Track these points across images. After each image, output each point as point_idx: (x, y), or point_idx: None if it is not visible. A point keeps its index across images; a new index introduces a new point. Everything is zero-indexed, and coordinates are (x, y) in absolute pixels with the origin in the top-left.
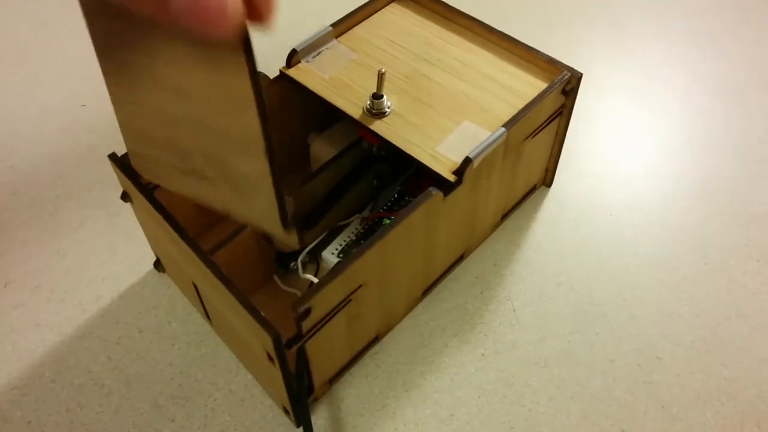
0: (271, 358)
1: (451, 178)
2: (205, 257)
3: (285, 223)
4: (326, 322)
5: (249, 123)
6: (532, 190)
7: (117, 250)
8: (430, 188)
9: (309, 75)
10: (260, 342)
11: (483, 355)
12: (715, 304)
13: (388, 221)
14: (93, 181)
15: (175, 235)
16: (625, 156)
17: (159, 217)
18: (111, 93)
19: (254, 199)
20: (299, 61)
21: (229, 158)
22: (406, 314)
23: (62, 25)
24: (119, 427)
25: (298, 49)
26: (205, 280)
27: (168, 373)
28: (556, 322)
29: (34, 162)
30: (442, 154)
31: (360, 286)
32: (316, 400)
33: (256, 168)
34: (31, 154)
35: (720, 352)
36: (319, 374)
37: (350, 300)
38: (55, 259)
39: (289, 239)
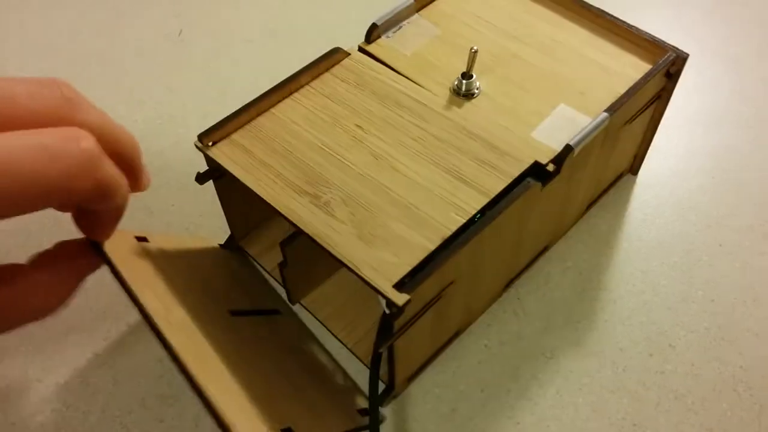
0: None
1: (549, 166)
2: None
3: (400, 287)
4: (417, 320)
5: (452, 218)
6: (619, 177)
7: None
8: (528, 179)
9: (389, 51)
10: None
11: (486, 346)
12: (731, 288)
13: None
14: None
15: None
16: None
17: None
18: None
19: (385, 255)
20: (379, 36)
21: (388, 220)
22: (486, 309)
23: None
24: (106, 428)
25: (378, 23)
26: None
27: (157, 370)
28: (562, 310)
29: None
30: (537, 140)
31: (451, 283)
32: (395, 397)
33: (418, 242)
34: None
35: (736, 339)
36: (402, 372)
37: (441, 296)
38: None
39: (396, 297)
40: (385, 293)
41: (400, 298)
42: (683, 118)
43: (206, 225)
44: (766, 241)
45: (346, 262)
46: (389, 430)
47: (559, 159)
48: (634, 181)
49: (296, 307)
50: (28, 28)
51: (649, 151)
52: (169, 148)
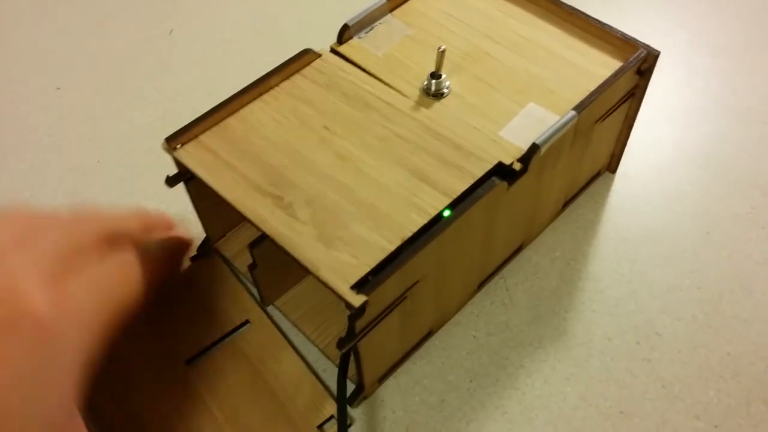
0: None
1: (516, 165)
2: None
3: (358, 287)
4: (380, 321)
5: (412, 219)
6: (597, 176)
7: None
8: (493, 178)
9: (361, 52)
10: None
11: (474, 336)
12: (718, 275)
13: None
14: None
15: None
16: None
17: None
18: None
19: (345, 257)
20: (351, 37)
21: (349, 221)
22: (460, 308)
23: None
24: None
25: (350, 24)
26: None
27: None
28: (550, 300)
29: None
30: (505, 139)
31: (416, 282)
32: (365, 398)
33: (378, 243)
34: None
35: (723, 327)
36: (370, 373)
37: (406, 297)
38: None
39: (352, 299)
40: (342, 294)
41: (356, 300)
42: (672, 108)
43: (195, 221)
44: (754, 229)
45: (305, 263)
46: (378, 423)
47: (526, 158)
48: (620, 173)
49: (271, 309)
50: (17, 29)
51: (636, 142)
52: (159, 147)
